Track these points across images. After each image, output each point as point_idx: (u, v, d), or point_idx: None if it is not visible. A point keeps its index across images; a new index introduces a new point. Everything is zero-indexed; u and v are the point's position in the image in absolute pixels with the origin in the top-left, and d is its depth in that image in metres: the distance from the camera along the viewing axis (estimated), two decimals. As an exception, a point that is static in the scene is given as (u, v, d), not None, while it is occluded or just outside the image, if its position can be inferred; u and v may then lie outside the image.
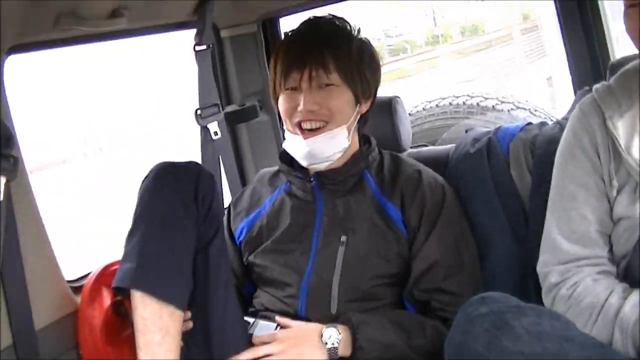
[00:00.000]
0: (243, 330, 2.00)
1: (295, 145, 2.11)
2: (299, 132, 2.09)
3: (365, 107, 2.17)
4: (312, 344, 1.94)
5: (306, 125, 2.07)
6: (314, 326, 1.97)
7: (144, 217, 1.88)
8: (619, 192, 1.73)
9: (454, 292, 2.05)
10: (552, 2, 2.57)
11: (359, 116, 2.16)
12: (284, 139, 2.17)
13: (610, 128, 1.73)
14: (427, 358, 1.96)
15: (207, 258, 1.93)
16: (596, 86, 1.83)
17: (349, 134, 2.11)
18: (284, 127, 2.16)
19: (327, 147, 2.09)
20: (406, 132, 2.47)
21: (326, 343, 1.92)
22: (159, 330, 1.82)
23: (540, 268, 1.83)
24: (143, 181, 1.94)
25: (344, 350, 1.93)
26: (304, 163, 2.14)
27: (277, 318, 2.01)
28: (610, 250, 1.77)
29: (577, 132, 1.80)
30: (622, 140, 1.71)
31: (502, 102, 3.72)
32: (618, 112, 1.73)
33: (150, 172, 1.94)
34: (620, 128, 1.72)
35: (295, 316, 2.05)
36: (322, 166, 2.14)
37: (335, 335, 1.93)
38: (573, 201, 1.79)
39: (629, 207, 1.71)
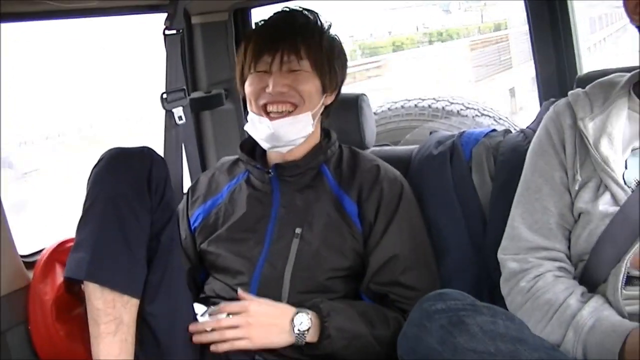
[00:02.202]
0: (192, 317, 1.98)
1: (259, 126, 2.10)
2: (264, 114, 2.08)
3: (329, 99, 2.19)
4: (281, 326, 1.93)
5: (272, 108, 2.07)
6: (286, 308, 1.96)
7: (96, 205, 1.85)
8: (581, 187, 1.77)
9: (412, 286, 2.06)
10: (525, 15, 2.60)
11: (323, 107, 2.17)
12: (247, 121, 2.16)
13: (580, 127, 1.78)
14: (389, 349, 1.95)
15: (159, 246, 1.90)
16: (571, 92, 1.89)
17: (313, 120, 2.12)
18: (248, 110, 2.15)
19: (292, 130, 2.09)
20: (370, 130, 2.48)
21: (295, 327, 1.92)
22: (113, 320, 1.81)
23: (500, 254, 1.88)
24: (94, 168, 1.90)
25: (312, 337, 1.93)
26: (266, 145, 2.14)
27: (240, 292, 1.98)
28: (569, 248, 1.81)
29: (549, 130, 1.86)
30: (590, 139, 1.76)
31: (468, 107, 3.75)
32: (590, 115, 1.79)
33: (101, 158, 1.91)
34: (590, 129, 1.77)
35: None
36: (284, 150, 2.13)
37: (306, 321, 1.92)
38: (538, 193, 1.84)
39: (590, 203, 1.74)
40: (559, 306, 1.69)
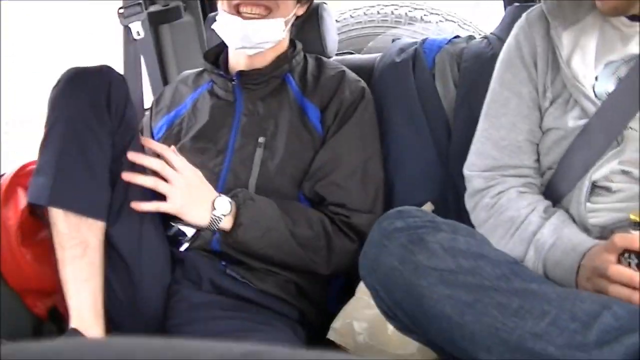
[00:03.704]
0: (159, 237, 1.99)
1: (231, 25, 2.07)
2: (236, 14, 2.05)
3: (302, 10, 2.17)
4: (203, 201, 1.91)
5: (246, 9, 2.04)
6: (212, 189, 1.95)
7: (56, 128, 1.83)
8: (551, 103, 1.76)
9: (351, 190, 2.05)
10: None
11: (294, 17, 2.14)
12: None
13: (553, 38, 1.75)
14: (314, 252, 1.98)
15: (121, 167, 1.88)
16: (545, 0, 1.83)
17: (285, 27, 2.10)
18: (219, 10, 2.11)
19: (263, 32, 2.07)
20: (332, 39, 2.44)
21: (215, 209, 1.91)
22: (80, 243, 1.81)
23: (466, 170, 1.87)
24: (54, 88, 1.87)
25: (226, 223, 1.92)
26: (234, 44, 2.11)
27: (168, 155, 1.92)
28: (537, 160, 1.80)
29: (520, 41, 1.82)
30: (563, 52, 1.73)
31: (431, 13, 3.70)
32: (563, 24, 1.75)
33: (60, 79, 1.88)
34: (564, 40, 1.74)
35: None
36: (251, 52, 2.11)
37: (225, 207, 1.91)
38: (505, 108, 1.81)
39: (560, 119, 1.73)
40: (520, 223, 1.69)
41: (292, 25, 2.19)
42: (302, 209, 2.03)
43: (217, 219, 1.91)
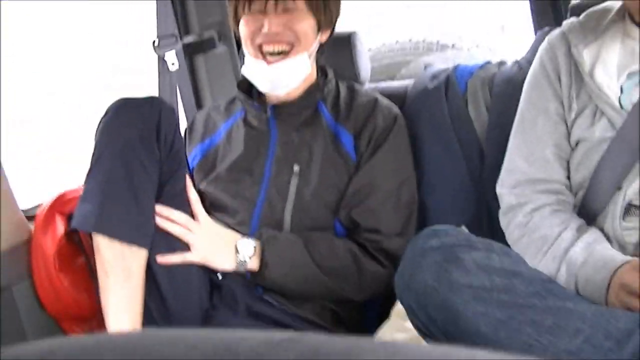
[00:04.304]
0: (194, 265, 2.00)
1: (257, 70, 2.09)
2: (261, 57, 2.07)
3: (325, 37, 2.17)
4: (225, 247, 1.97)
5: (269, 49, 2.05)
6: (233, 233, 2.00)
7: (105, 157, 1.85)
8: (578, 115, 1.77)
9: (385, 216, 2.06)
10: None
11: (318, 45, 2.15)
12: (243, 63, 2.16)
13: (574, 55, 1.78)
14: (343, 281, 2.00)
15: (168, 197, 1.92)
16: (565, 21, 1.88)
17: (310, 60, 2.12)
18: (244, 54, 2.14)
19: (289, 73, 2.08)
20: (365, 67, 2.46)
21: (238, 253, 1.95)
22: (122, 271, 1.83)
23: (498, 187, 1.89)
24: (102, 118, 1.89)
25: (253, 264, 1.96)
26: (264, 89, 2.13)
27: (193, 206, 1.99)
28: (568, 177, 1.81)
29: (543, 62, 1.86)
30: (586, 66, 1.76)
31: (462, 40, 3.72)
32: (584, 42, 1.78)
33: (109, 108, 1.90)
34: (585, 56, 1.77)
35: None
36: (283, 92, 2.13)
37: (249, 249, 1.95)
38: (532, 125, 1.84)
39: (587, 130, 1.74)
40: (553, 241, 1.69)
41: (320, 53, 2.21)
42: (328, 240, 2.04)
43: (243, 262, 1.95)
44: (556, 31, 1.88)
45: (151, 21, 2.50)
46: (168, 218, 1.92)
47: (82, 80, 7.78)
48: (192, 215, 1.98)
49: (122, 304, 1.84)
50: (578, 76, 1.78)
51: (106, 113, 1.90)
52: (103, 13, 8.21)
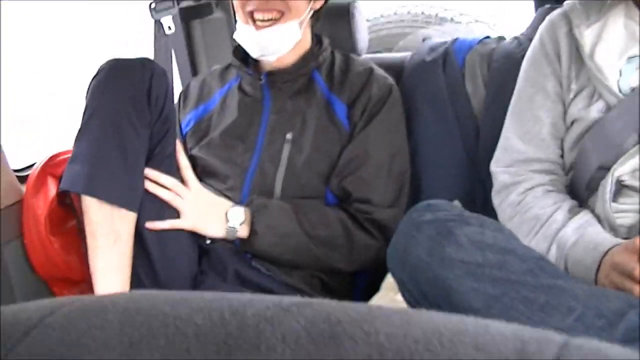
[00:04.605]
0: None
1: (247, 35, 2.09)
2: (251, 22, 2.06)
3: (318, 4, 2.16)
4: (216, 214, 1.97)
5: (259, 16, 2.05)
6: (224, 200, 2.01)
7: (95, 118, 1.83)
8: (576, 95, 1.77)
9: (377, 186, 2.06)
10: None
11: (312, 12, 2.14)
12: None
13: (576, 35, 1.77)
14: (333, 251, 2.00)
15: (156, 158, 1.91)
16: (567, 0, 1.86)
17: (300, 28, 2.10)
18: (237, 18, 2.13)
19: (278, 39, 2.07)
20: (362, 37, 2.45)
21: (228, 221, 1.95)
22: (112, 233, 1.82)
23: (492, 166, 1.89)
24: (94, 78, 1.87)
25: (242, 231, 1.96)
26: (254, 54, 2.12)
27: (184, 172, 2.00)
28: (562, 157, 1.81)
29: (543, 40, 1.85)
30: (586, 47, 1.74)
31: (462, 14, 3.70)
32: (586, 22, 1.77)
33: (101, 69, 1.88)
34: (586, 37, 1.75)
35: None
36: (272, 58, 2.12)
37: (239, 216, 1.96)
38: (530, 103, 1.83)
39: (584, 110, 1.74)
40: (545, 221, 1.70)
41: (315, 19, 2.19)
42: (319, 209, 2.04)
43: (233, 229, 1.95)
44: (558, 10, 1.87)
45: (151, 22, 2.49)
46: (157, 182, 1.92)
47: (82, 80, 7.77)
48: (182, 180, 1.98)
49: (110, 267, 1.82)
50: (578, 57, 1.77)
51: (97, 73, 1.88)
52: (103, 13, 8.17)
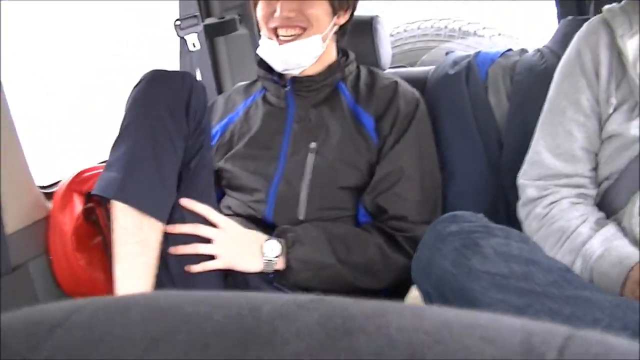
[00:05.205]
0: None
1: (270, 50, 2.11)
2: (274, 37, 2.08)
3: (343, 19, 2.17)
4: (252, 250, 1.93)
5: (282, 32, 2.07)
6: (258, 234, 1.97)
7: (133, 127, 1.85)
8: (615, 109, 1.72)
9: (413, 202, 2.05)
10: None
11: (336, 27, 2.16)
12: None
13: (620, 46, 1.71)
14: (366, 275, 1.98)
15: (190, 172, 1.92)
16: (606, 7, 1.80)
17: (323, 42, 2.11)
18: (261, 34, 2.16)
19: (300, 53, 2.09)
20: (386, 52, 2.45)
21: (265, 254, 1.92)
22: (139, 241, 1.82)
23: (520, 179, 1.86)
24: (134, 88, 1.90)
25: (280, 264, 1.94)
26: (278, 68, 2.14)
27: (208, 217, 1.95)
28: (594, 170, 1.78)
29: (580, 50, 1.79)
30: (630, 58, 1.69)
31: (485, 28, 3.70)
32: (630, 32, 1.71)
33: (141, 79, 1.91)
34: (629, 47, 1.70)
35: (262, 221, 2.06)
36: (296, 72, 2.14)
37: (276, 249, 1.93)
38: (561, 117, 1.79)
39: (623, 125, 1.69)
40: (570, 233, 1.68)
41: (341, 34, 2.21)
42: (354, 234, 2.02)
43: (270, 262, 1.93)
44: (596, 19, 1.80)
45: (151, 22, 2.51)
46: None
47: (82, 80, 7.80)
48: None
49: (134, 275, 1.82)
50: (620, 69, 1.72)
51: (138, 83, 1.91)
52: (103, 13, 8.23)
